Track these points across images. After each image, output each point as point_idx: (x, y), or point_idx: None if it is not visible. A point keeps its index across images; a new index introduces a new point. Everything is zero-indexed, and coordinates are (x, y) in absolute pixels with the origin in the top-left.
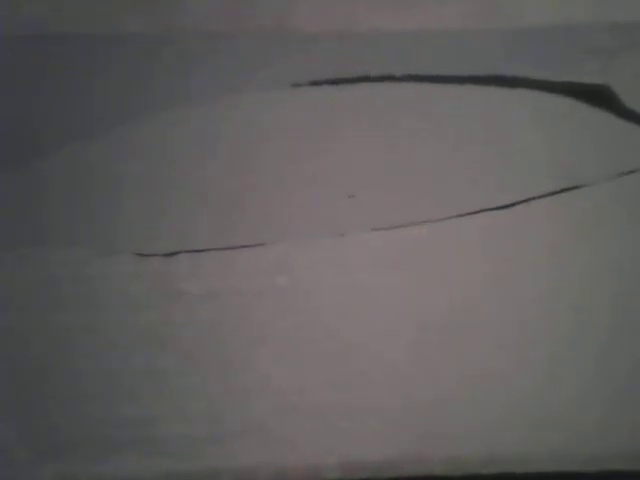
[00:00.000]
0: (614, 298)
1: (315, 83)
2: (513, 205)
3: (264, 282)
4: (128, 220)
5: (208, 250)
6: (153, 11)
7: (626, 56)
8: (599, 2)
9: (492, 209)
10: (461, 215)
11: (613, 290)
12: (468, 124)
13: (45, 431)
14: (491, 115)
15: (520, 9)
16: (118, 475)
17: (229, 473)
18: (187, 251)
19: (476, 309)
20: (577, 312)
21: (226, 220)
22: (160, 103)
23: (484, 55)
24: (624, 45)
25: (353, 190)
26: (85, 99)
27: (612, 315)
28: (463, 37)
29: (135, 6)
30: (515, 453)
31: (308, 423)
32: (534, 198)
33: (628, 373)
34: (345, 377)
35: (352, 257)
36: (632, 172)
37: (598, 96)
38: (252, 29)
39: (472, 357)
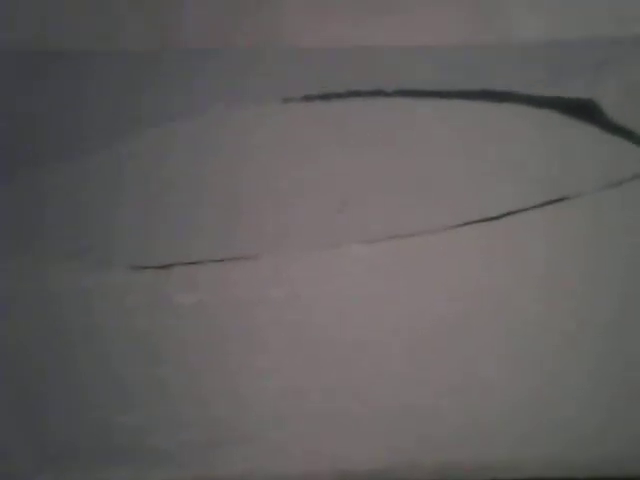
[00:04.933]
0: (606, 306)
1: (306, 98)
2: (503, 216)
3: (259, 293)
4: (123, 233)
5: (202, 262)
6: (146, 27)
7: (611, 71)
8: (585, 17)
9: (483, 220)
10: (452, 227)
11: (605, 298)
12: (458, 138)
13: (43, 439)
14: (480, 129)
15: (508, 25)
16: None
17: (225, 479)
18: (181, 263)
19: (471, 318)
20: (571, 320)
21: (220, 232)
22: (154, 118)
23: (473, 70)
24: (609, 60)
25: (345, 202)
26: (81, 114)
27: (606, 323)
28: (451, 53)
29: (130, 22)
30: (510, 459)
31: (303, 430)
32: (524, 210)
33: (625, 381)
34: (339, 385)
35: (346, 268)
36: (619, 184)
37: (584, 110)
38: (242, 44)
39: (467, 365)
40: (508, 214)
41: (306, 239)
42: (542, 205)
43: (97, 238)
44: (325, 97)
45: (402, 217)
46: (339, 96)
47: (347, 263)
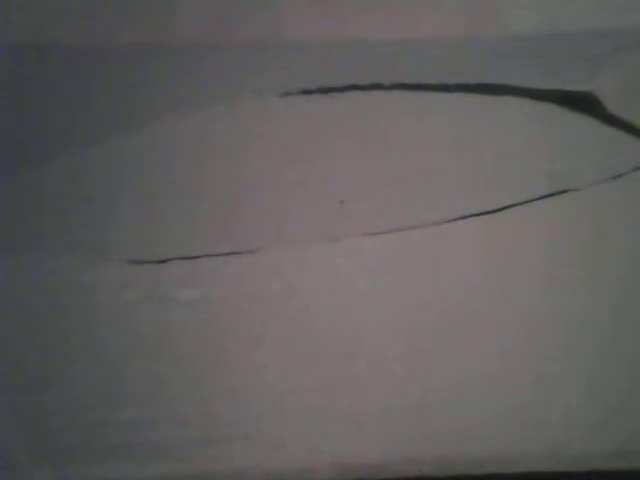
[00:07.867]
0: (608, 300)
1: (305, 92)
2: (503, 209)
3: (257, 287)
4: (121, 227)
5: (201, 256)
6: (146, 22)
7: (610, 63)
8: (584, 10)
9: (483, 213)
10: (452, 220)
11: (606, 292)
12: (457, 131)
13: (42, 436)
14: (479, 122)
15: (506, 18)
16: (115, 478)
17: (224, 475)
18: (180, 258)
19: (470, 313)
20: (572, 312)
21: (218, 227)
22: (152, 112)
23: (471, 63)
24: (608, 52)
25: (344, 196)
26: (79, 108)
27: (607, 315)
28: (450, 46)
29: (129, 17)
30: (509, 454)
31: (301, 425)
32: (524, 202)
33: (624, 376)
34: (338, 380)
35: (345, 262)
36: (618, 176)
37: (584, 103)
38: (242, 39)
39: (465, 360)
40: (508, 207)
41: (305, 233)
42: (542, 198)
43: (95, 233)
44: (324, 91)
45: (402, 211)
46: (338, 90)
47: (346, 257)
